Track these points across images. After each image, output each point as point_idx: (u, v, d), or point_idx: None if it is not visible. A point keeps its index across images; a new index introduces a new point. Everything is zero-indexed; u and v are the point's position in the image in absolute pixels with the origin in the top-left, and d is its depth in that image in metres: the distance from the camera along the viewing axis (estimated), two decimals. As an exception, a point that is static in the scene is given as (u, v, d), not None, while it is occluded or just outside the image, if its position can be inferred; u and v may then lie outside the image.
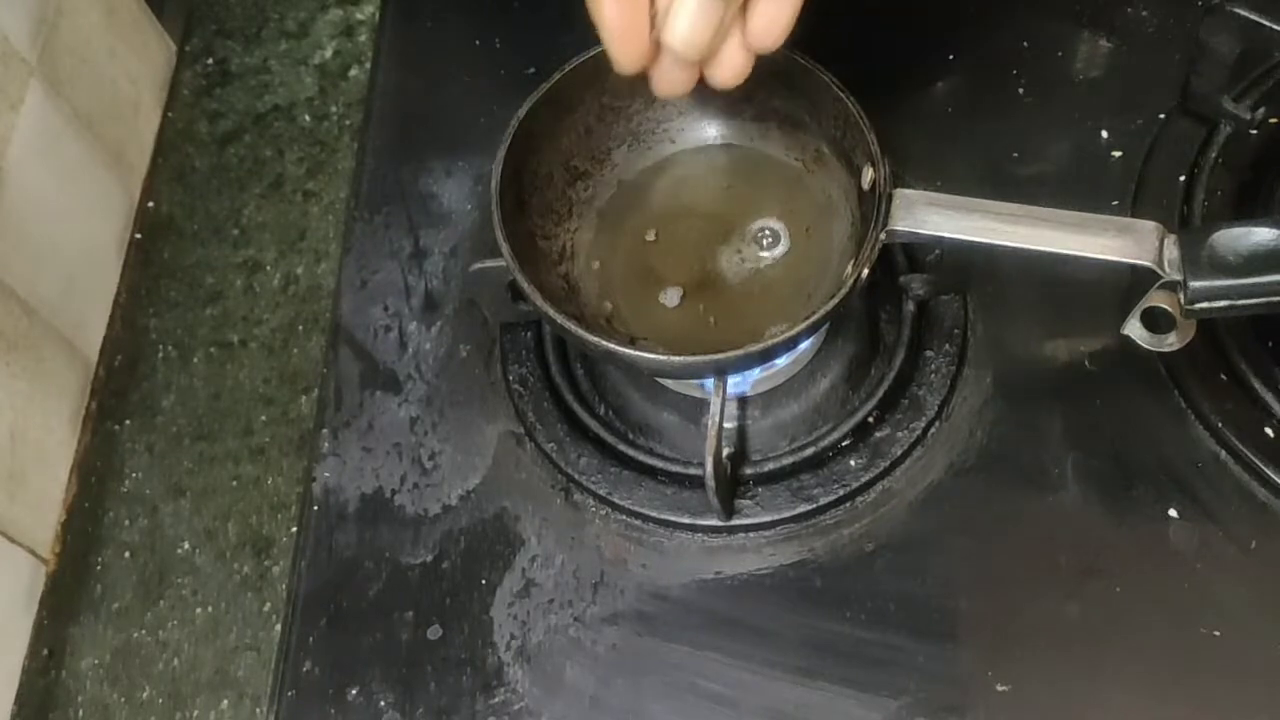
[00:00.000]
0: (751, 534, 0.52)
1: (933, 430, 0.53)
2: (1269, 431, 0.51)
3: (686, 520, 0.52)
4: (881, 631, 0.49)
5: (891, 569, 0.51)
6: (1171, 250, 0.45)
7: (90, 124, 0.64)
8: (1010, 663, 0.48)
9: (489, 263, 0.51)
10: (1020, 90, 0.60)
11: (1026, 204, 0.46)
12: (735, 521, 0.52)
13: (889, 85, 0.56)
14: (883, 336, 0.55)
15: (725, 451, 0.52)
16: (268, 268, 0.64)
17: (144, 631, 0.56)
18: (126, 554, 0.58)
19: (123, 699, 0.55)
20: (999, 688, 0.48)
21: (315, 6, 0.72)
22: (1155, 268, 0.45)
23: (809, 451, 0.52)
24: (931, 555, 0.51)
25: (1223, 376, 0.52)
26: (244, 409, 0.61)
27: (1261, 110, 0.56)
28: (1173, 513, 0.50)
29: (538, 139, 0.50)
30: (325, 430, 0.56)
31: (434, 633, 0.51)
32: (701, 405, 0.53)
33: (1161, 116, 0.58)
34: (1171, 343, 0.47)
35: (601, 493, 0.53)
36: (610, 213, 0.53)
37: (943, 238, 0.46)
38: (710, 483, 0.49)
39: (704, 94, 0.53)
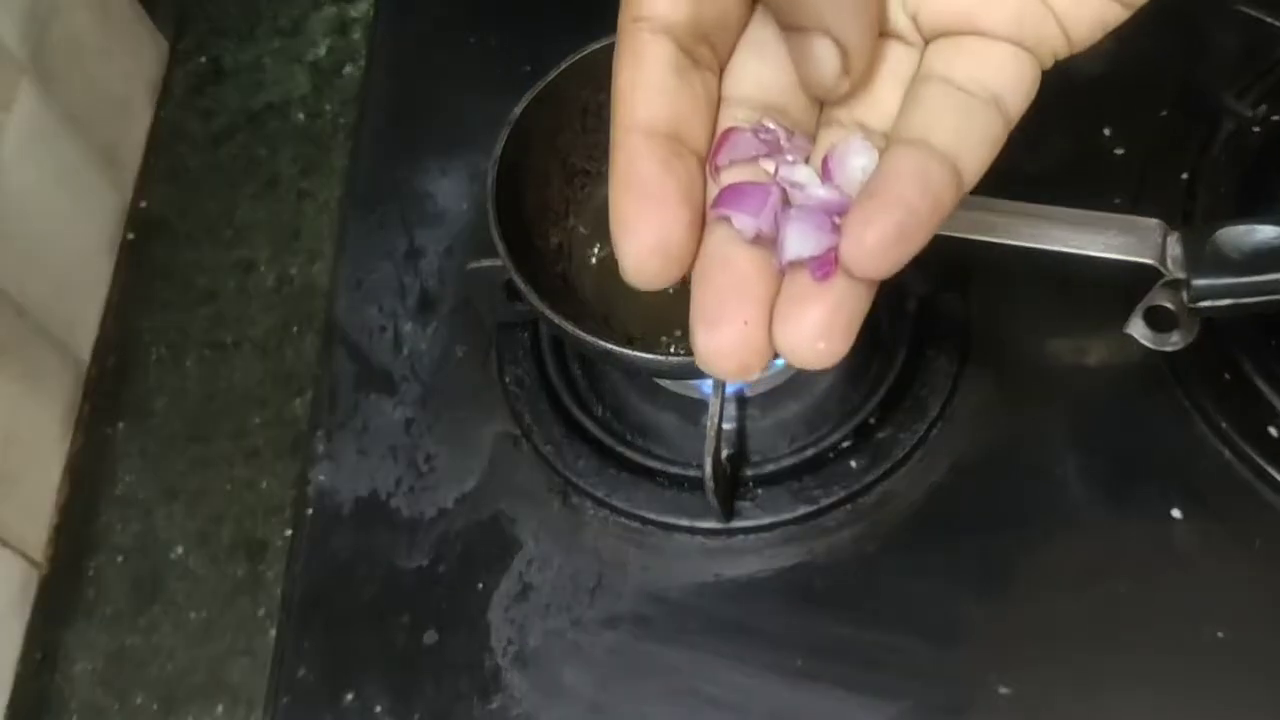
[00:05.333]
0: (751, 536, 0.52)
1: (934, 430, 0.52)
2: (1273, 431, 0.50)
3: (686, 522, 0.52)
4: (883, 633, 0.49)
5: (893, 570, 0.50)
6: (1174, 248, 0.45)
7: (82, 123, 0.63)
8: (1013, 664, 0.48)
9: (485, 262, 0.51)
10: (1021, 87, 0.60)
11: (1028, 201, 0.46)
12: (735, 523, 0.51)
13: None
14: (883, 335, 0.54)
15: (725, 453, 0.51)
16: (261, 268, 0.64)
17: (137, 636, 0.56)
18: (119, 557, 0.57)
19: (116, 704, 0.55)
20: (1001, 690, 0.48)
21: (309, 4, 0.72)
22: (1158, 265, 0.45)
23: (809, 452, 0.52)
24: (933, 556, 0.50)
25: (1226, 375, 0.51)
26: (237, 411, 0.60)
27: (1264, 107, 0.56)
28: (1176, 513, 0.50)
29: (534, 137, 0.49)
30: (320, 432, 0.56)
31: (430, 637, 0.51)
32: (701, 406, 0.53)
33: (1164, 114, 0.58)
34: (1175, 341, 0.47)
35: (599, 495, 0.52)
36: (607, 211, 0.53)
37: (944, 235, 0.45)
38: (710, 484, 0.48)
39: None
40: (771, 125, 0.29)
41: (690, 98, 0.29)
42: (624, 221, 0.29)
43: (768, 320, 0.28)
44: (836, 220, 0.28)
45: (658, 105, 0.29)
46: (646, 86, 0.29)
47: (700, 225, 0.29)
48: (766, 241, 0.28)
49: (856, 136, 0.29)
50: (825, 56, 0.28)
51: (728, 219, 0.28)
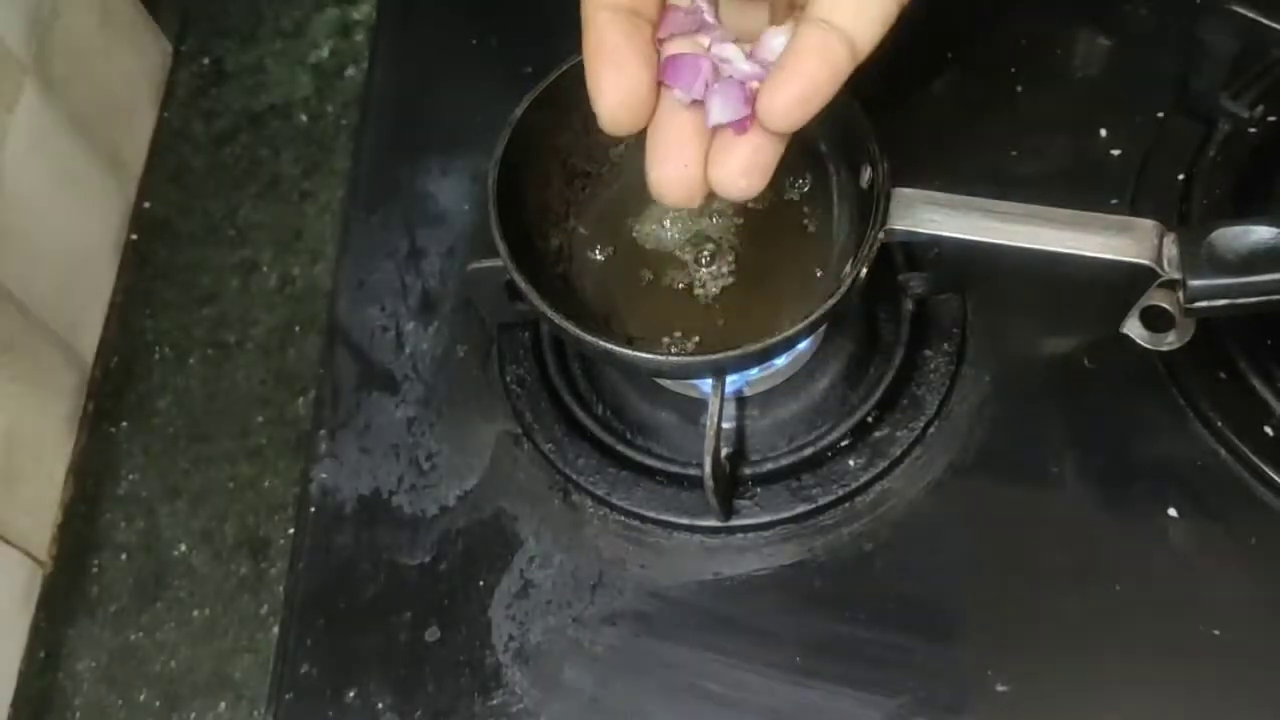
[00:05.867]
0: (750, 534, 0.52)
1: (932, 429, 0.53)
2: (1268, 430, 0.51)
3: (685, 520, 0.52)
4: (881, 631, 0.49)
5: (891, 569, 0.50)
6: (1170, 249, 0.45)
7: (85, 124, 0.63)
8: (1010, 662, 0.48)
9: (486, 263, 0.51)
10: (1018, 88, 0.60)
11: (1025, 202, 0.46)
12: (734, 522, 0.51)
13: (887, 83, 0.56)
14: (881, 336, 0.54)
15: (724, 452, 0.52)
16: (264, 268, 0.64)
17: (141, 633, 0.56)
18: (123, 556, 0.58)
19: (120, 701, 0.55)
20: (998, 687, 0.48)
21: (311, 6, 0.72)
22: (1154, 266, 0.45)
23: (808, 451, 0.52)
24: (931, 554, 0.51)
25: (1222, 375, 0.52)
26: (240, 410, 0.60)
27: (1260, 108, 0.56)
28: (1172, 511, 0.50)
29: (535, 138, 0.50)
30: (322, 431, 0.56)
31: (432, 634, 0.51)
32: (700, 405, 0.53)
33: (1160, 115, 0.58)
34: (1171, 341, 0.47)
35: (599, 493, 0.53)
36: (608, 212, 0.53)
37: (941, 236, 0.46)
38: (709, 483, 0.49)
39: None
40: (702, 4, 0.37)
41: None
42: (598, 82, 0.36)
43: (704, 162, 0.37)
44: (755, 86, 0.36)
45: None
46: None
47: (657, 82, 0.37)
48: (702, 104, 0.36)
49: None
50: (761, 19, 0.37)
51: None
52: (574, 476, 0.53)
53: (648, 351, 0.48)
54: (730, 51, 0.37)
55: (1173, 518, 0.50)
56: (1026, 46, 0.61)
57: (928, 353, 0.53)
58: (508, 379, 0.55)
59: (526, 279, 0.46)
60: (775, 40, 0.36)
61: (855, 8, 0.35)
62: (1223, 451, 0.51)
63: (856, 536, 0.51)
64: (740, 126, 0.36)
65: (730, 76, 0.37)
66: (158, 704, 0.54)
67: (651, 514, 0.52)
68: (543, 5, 0.65)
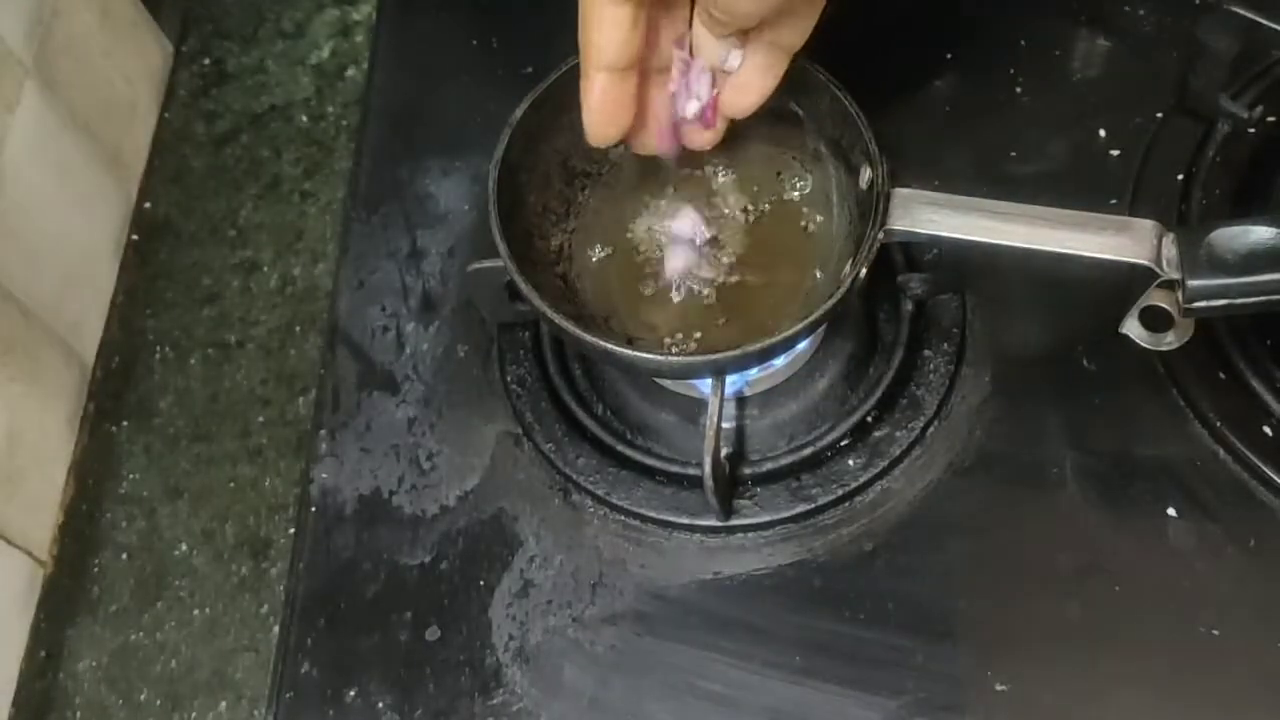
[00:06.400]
0: (750, 534, 0.52)
1: (931, 429, 0.53)
2: (1267, 430, 0.51)
3: (685, 520, 0.52)
4: (880, 631, 0.49)
5: (890, 568, 0.51)
6: (1170, 249, 0.45)
7: (86, 125, 0.63)
8: (1009, 661, 0.48)
9: (486, 263, 0.51)
10: (1018, 89, 0.60)
11: (1024, 203, 0.46)
12: (734, 521, 0.52)
13: (886, 84, 0.56)
14: (881, 336, 0.55)
15: (724, 451, 0.52)
16: (265, 268, 0.64)
17: (142, 633, 0.56)
18: (124, 556, 0.58)
19: (120, 701, 0.55)
20: (998, 687, 0.48)
21: (312, 7, 0.72)
22: (1153, 266, 0.45)
23: (807, 451, 0.52)
24: (930, 554, 0.51)
25: (1221, 375, 0.52)
26: (241, 410, 0.60)
27: (1259, 109, 0.56)
28: (1171, 511, 0.50)
29: (535, 139, 0.50)
30: (323, 431, 0.56)
31: (432, 634, 0.51)
32: (700, 405, 0.53)
33: (1159, 115, 0.58)
34: (1170, 341, 0.47)
35: (600, 493, 0.53)
36: (608, 212, 0.53)
37: (941, 237, 0.46)
38: (709, 483, 0.49)
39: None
40: (685, 53, 0.46)
41: (637, 42, 0.43)
42: (592, 125, 0.45)
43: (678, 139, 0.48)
44: (716, 92, 0.46)
45: (614, 54, 0.43)
46: (610, 43, 0.42)
47: (634, 114, 0.46)
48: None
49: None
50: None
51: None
52: (574, 476, 0.53)
53: (648, 351, 0.48)
54: (695, 104, 0.47)
55: (1172, 518, 0.50)
56: (1026, 46, 0.61)
57: (927, 353, 0.53)
58: (508, 379, 0.55)
59: (527, 279, 0.46)
60: (735, 56, 0.45)
61: (791, 25, 0.43)
62: (1222, 451, 0.51)
63: (856, 536, 0.51)
64: (707, 123, 0.48)
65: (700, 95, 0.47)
66: (158, 704, 0.55)
67: (651, 514, 0.52)
68: (543, 5, 0.65)
